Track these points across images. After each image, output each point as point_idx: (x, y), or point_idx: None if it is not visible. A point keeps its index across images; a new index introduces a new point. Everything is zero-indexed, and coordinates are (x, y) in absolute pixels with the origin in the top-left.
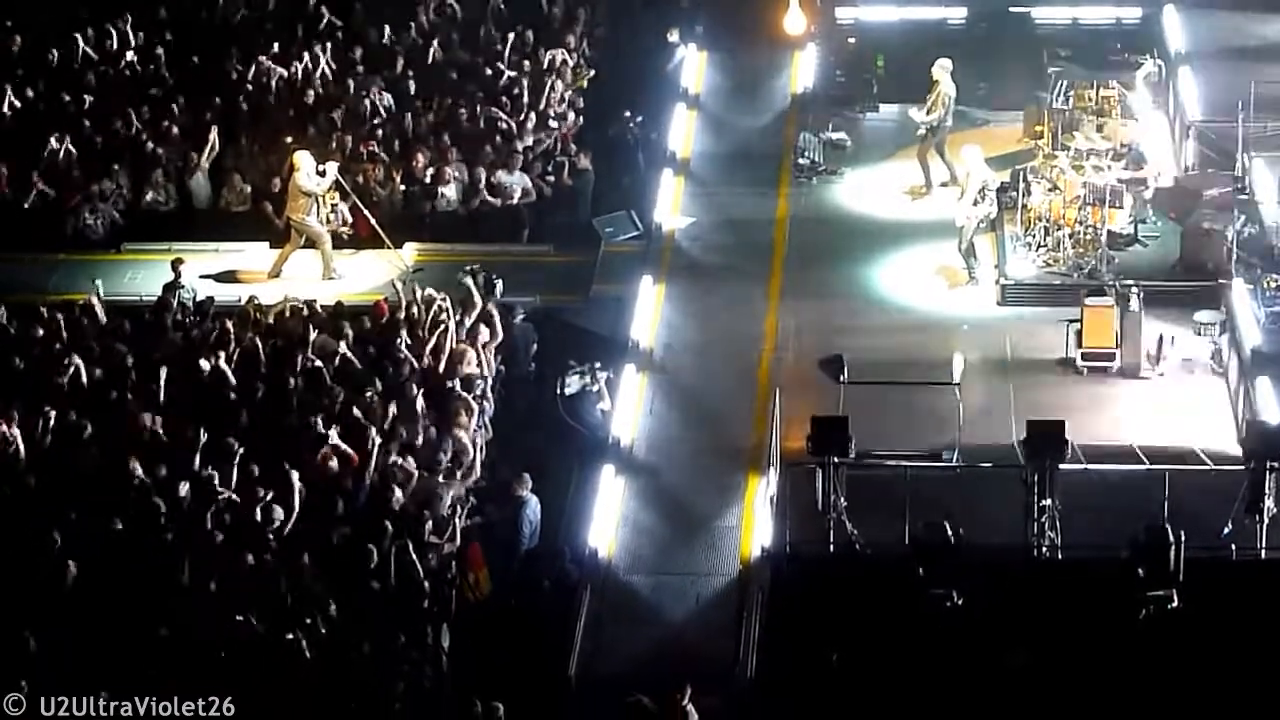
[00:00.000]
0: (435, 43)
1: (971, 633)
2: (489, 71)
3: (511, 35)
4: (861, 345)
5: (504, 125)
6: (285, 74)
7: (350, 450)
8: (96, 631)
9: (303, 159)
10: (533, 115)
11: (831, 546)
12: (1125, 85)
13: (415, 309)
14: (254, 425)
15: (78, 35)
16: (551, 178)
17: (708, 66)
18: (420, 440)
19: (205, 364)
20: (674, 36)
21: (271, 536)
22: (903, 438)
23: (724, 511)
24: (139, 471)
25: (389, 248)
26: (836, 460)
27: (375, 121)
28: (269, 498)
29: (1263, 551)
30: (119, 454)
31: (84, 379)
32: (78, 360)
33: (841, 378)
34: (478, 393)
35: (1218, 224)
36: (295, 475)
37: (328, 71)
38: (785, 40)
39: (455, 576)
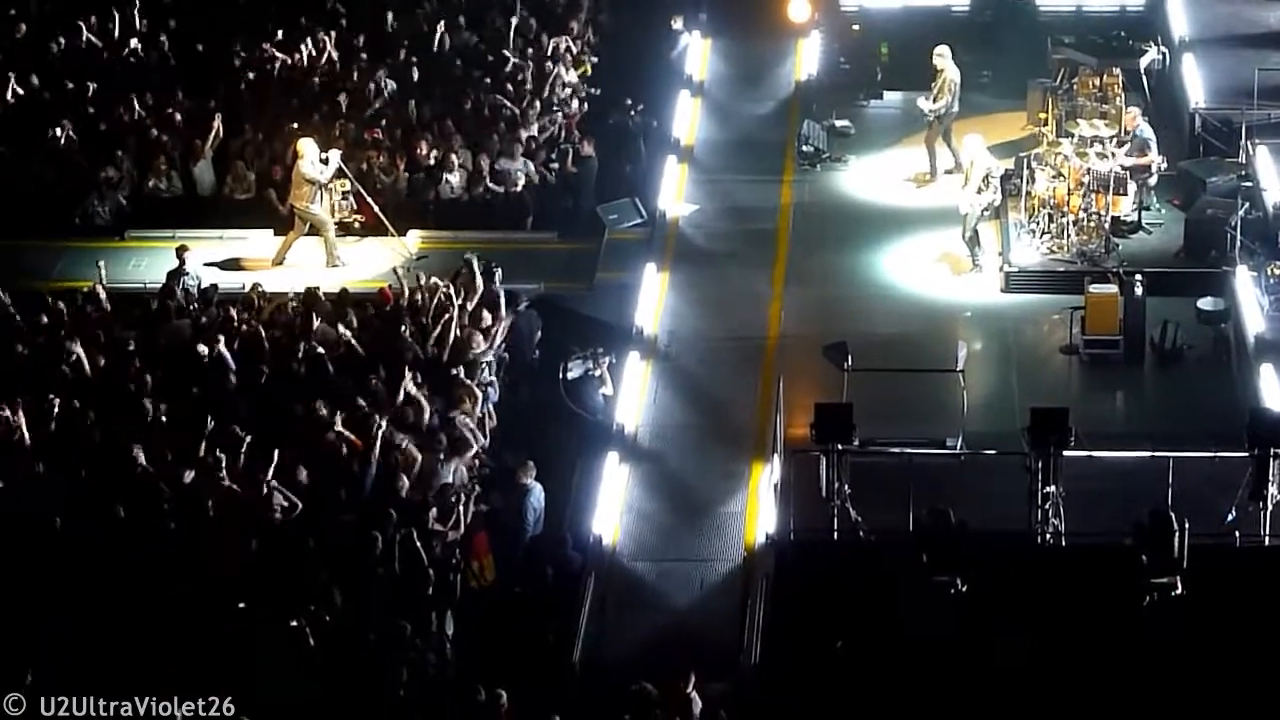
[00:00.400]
0: (439, 29)
1: (975, 620)
2: (492, 58)
3: (515, 21)
4: (865, 332)
5: (508, 112)
6: (289, 60)
7: (354, 436)
8: (98, 620)
9: (306, 146)
10: (536, 102)
11: (835, 533)
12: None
13: (420, 296)
14: (256, 412)
15: (81, 23)
16: (555, 165)
17: (712, 54)
18: (425, 427)
19: (204, 349)
20: (678, 24)
21: (275, 523)
22: (906, 425)
23: (728, 498)
24: (142, 459)
25: (392, 235)
26: (840, 447)
27: (379, 108)
28: (272, 484)
29: (1266, 538)
30: (122, 441)
31: (87, 366)
32: (78, 350)
33: (845, 365)
34: (482, 379)
35: (1222, 211)
36: (299, 462)
37: (332, 58)
38: (789, 27)
39: (460, 563)
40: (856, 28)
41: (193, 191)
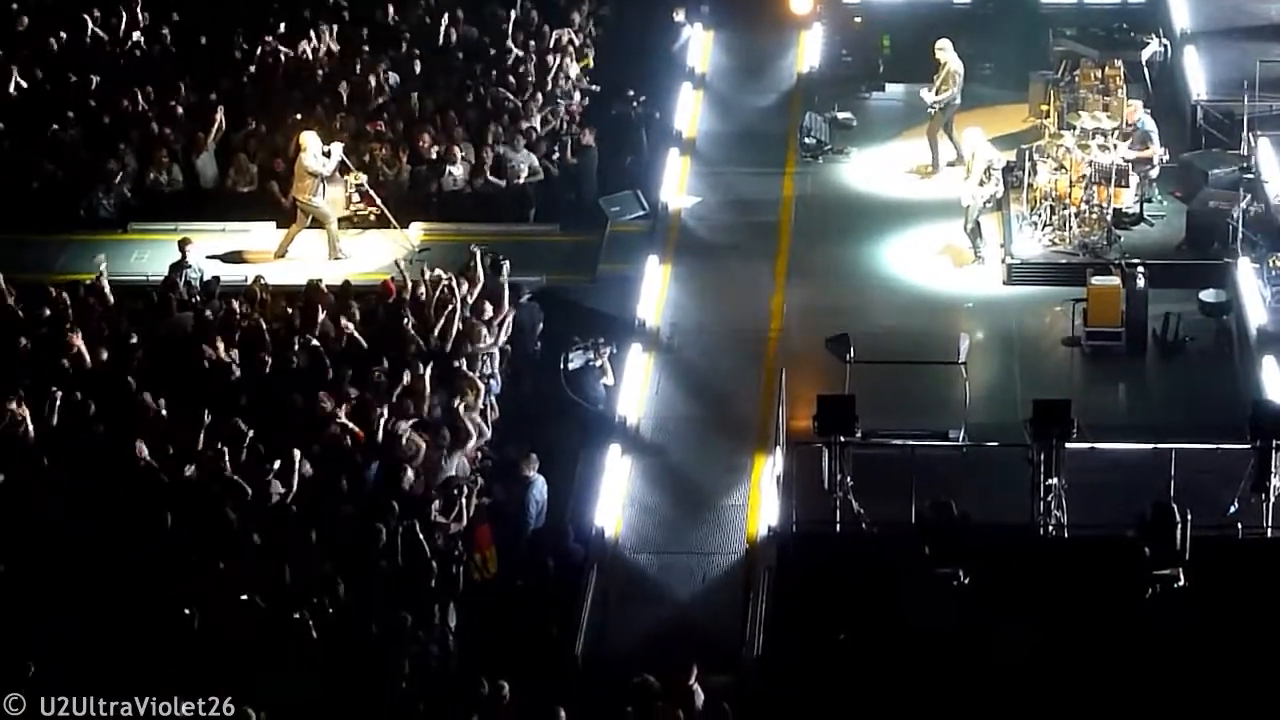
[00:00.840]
0: (441, 21)
1: (977, 612)
2: (494, 51)
3: (517, 13)
4: (867, 324)
5: (510, 105)
6: (291, 53)
7: (357, 428)
8: (98, 620)
9: (308, 139)
10: (539, 95)
11: (838, 525)
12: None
13: (422, 288)
14: (259, 404)
15: (85, 16)
16: (556, 155)
17: (714, 46)
18: (427, 419)
19: (209, 350)
20: (680, 16)
21: (278, 516)
22: (909, 417)
23: (730, 491)
24: (144, 452)
25: (395, 227)
26: (842, 439)
27: (381, 101)
28: (274, 477)
29: (1269, 530)
30: (125, 434)
31: (90, 359)
32: (79, 343)
33: (847, 357)
34: (485, 371)
35: (1224, 203)
36: (301, 454)
37: (334, 51)
38: (791, 20)
39: (463, 556)
40: (858, 20)
41: (195, 184)
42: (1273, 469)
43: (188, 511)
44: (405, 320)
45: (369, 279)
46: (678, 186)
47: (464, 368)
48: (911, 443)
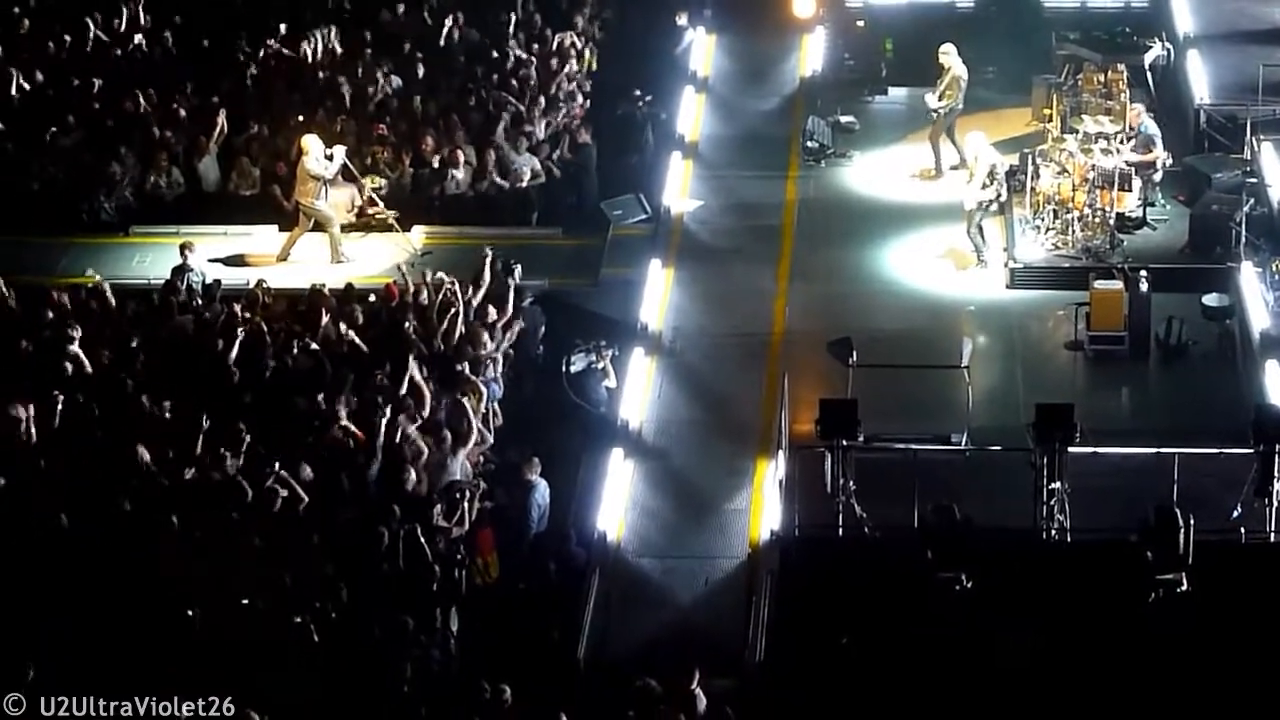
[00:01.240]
0: (444, 24)
1: (979, 616)
2: (496, 53)
3: (519, 17)
4: (870, 328)
5: (513, 108)
6: (294, 56)
7: (359, 432)
8: (98, 620)
9: (311, 143)
10: (541, 98)
11: (840, 530)
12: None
13: (425, 292)
14: (260, 407)
15: (88, 19)
16: (556, 155)
17: (716, 50)
18: (429, 420)
19: (215, 353)
20: (683, 19)
21: (279, 518)
22: (911, 420)
23: (733, 495)
24: (145, 455)
25: (397, 231)
26: (845, 443)
27: (384, 104)
28: (276, 480)
29: (1272, 534)
30: (125, 436)
31: (90, 363)
32: (76, 349)
33: (850, 361)
34: (487, 376)
35: (1226, 207)
36: (302, 457)
37: (336, 53)
38: (794, 23)
39: (465, 560)
40: (861, 23)
41: (196, 187)
42: (1276, 473)
43: (189, 514)
44: (408, 324)
45: (371, 282)
46: (680, 190)
47: (466, 371)
48: (914, 447)
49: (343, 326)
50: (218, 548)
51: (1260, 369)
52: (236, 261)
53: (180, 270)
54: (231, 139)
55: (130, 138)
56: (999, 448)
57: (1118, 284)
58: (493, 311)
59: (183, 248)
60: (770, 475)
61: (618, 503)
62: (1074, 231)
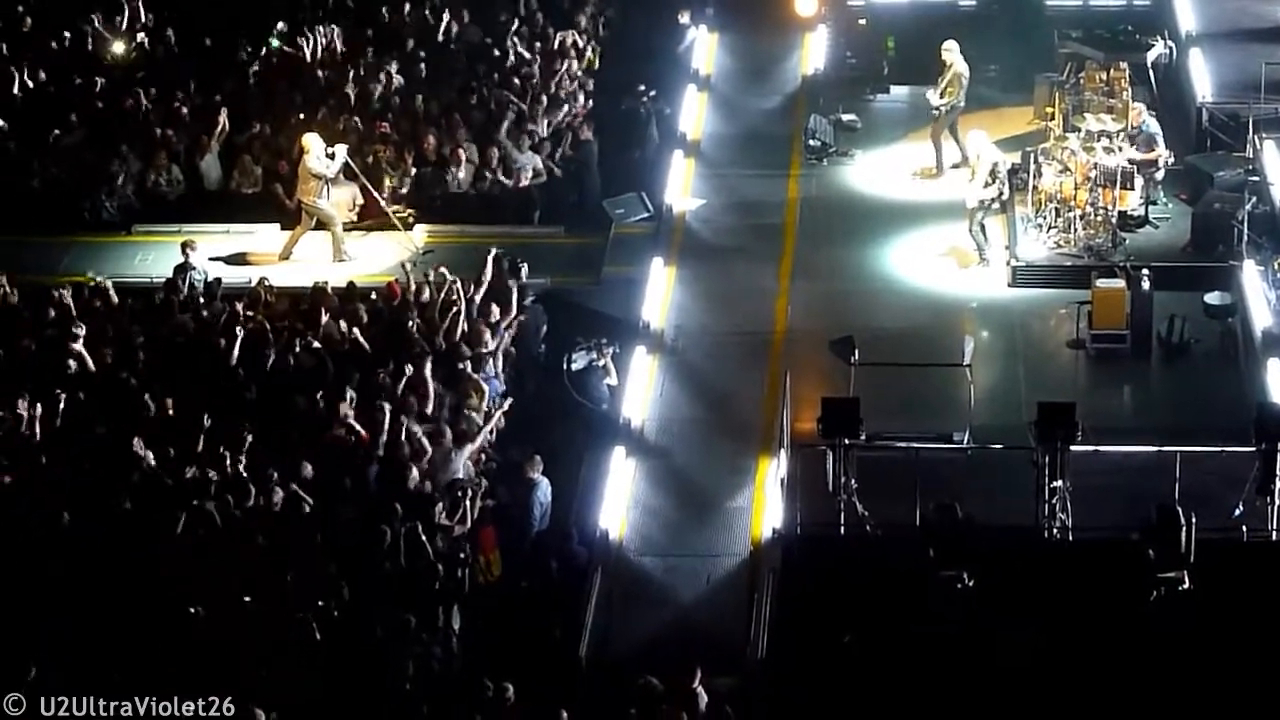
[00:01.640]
0: (446, 23)
1: (981, 615)
2: (498, 52)
3: (522, 16)
4: (872, 326)
5: (515, 106)
6: (296, 55)
7: (362, 430)
8: (98, 620)
9: (312, 141)
10: (544, 97)
11: (842, 528)
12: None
13: (427, 290)
14: (262, 406)
15: (93, 16)
16: (558, 153)
17: (718, 48)
18: (431, 419)
19: (216, 352)
20: (685, 18)
21: (281, 517)
22: (913, 419)
23: (735, 493)
24: (146, 453)
25: (399, 229)
26: (847, 442)
27: (385, 102)
28: (277, 479)
29: (1273, 533)
30: (127, 435)
31: (92, 361)
32: (79, 347)
33: (852, 359)
34: (488, 372)
35: (1229, 206)
36: (305, 456)
37: (338, 52)
38: (796, 22)
39: (467, 558)
40: (863, 22)
41: (197, 186)
42: (1278, 471)
43: (190, 512)
44: (410, 322)
45: (373, 281)
46: (682, 188)
47: (469, 370)
48: (916, 445)
49: (345, 325)
50: (219, 546)
51: (1262, 367)
52: (238, 260)
53: (182, 269)
54: (233, 137)
55: (132, 137)
56: (1001, 446)
57: (1120, 282)
58: (495, 309)
59: (184, 246)
60: (772, 473)
61: (619, 501)
62: (1076, 230)
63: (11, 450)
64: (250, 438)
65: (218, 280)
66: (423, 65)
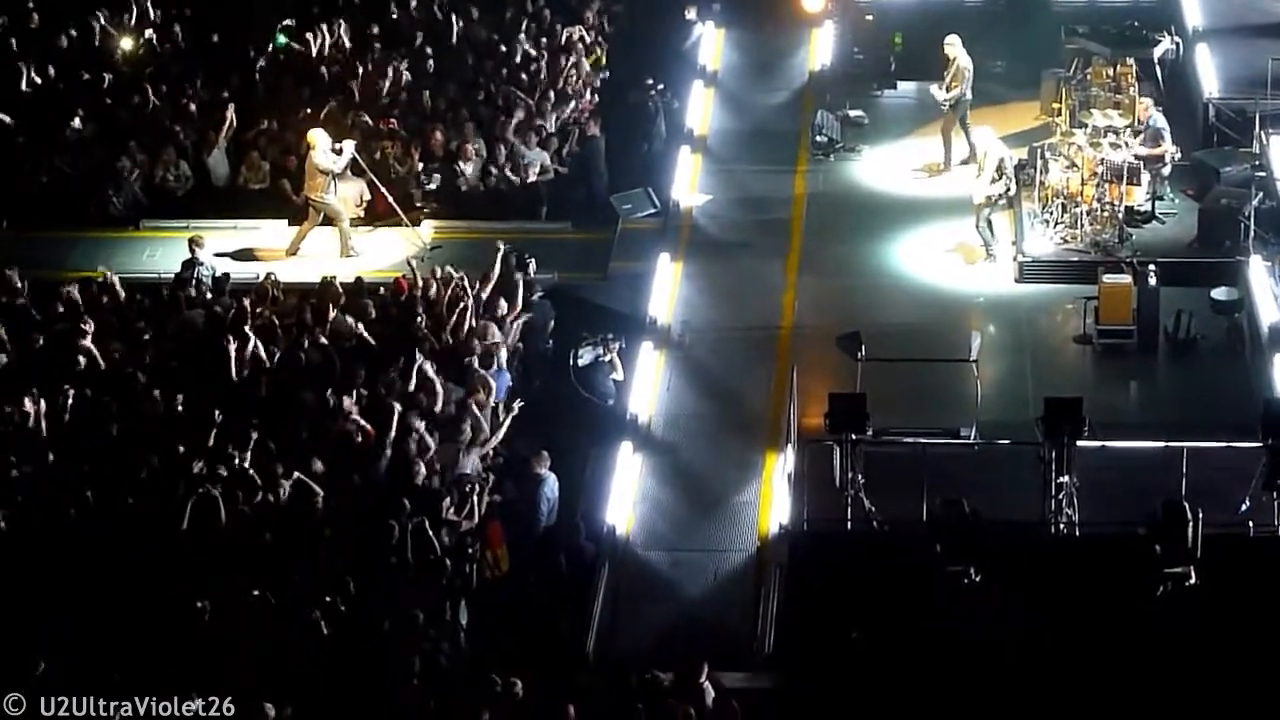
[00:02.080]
0: (453, 19)
1: (988, 609)
2: (505, 48)
3: (529, 12)
4: (879, 322)
5: (522, 102)
6: (303, 50)
7: (369, 426)
8: (98, 620)
9: (317, 137)
10: (551, 93)
11: (849, 523)
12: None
13: (435, 286)
14: (270, 402)
15: (99, 13)
16: (566, 149)
17: (725, 44)
18: (439, 414)
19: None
20: (692, 14)
21: (288, 513)
22: (920, 414)
23: (742, 488)
24: (155, 449)
25: (407, 225)
26: (854, 437)
27: (393, 98)
28: (285, 473)
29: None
30: (135, 431)
31: (101, 356)
32: (88, 343)
33: (859, 354)
34: (496, 369)
35: (1235, 201)
36: (313, 452)
37: (346, 48)
38: (803, 17)
39: (475, 553)
40: (870, 17)
41: (204, 182)
42: None
43: (197, 508)
44: (418, 318)
45: (381, 276)
46: (689, 184)
47: (476, 365)
48: (923, 440)
49: (352, 320)
50: (225, 541)
51: (1269, 363)
52: (246, 256)
53: (190, 264)
54: (241, 133)
55: (140, 133)
56: (1008, 441)
57: (1126, 278)
58: (503, 304)
59: (192, 242)
60: (779, 469)
61: (626, 496)
62: (1083, 225)
63: (19, 446)
64: (257, 434)
65: (225, 276)
66: (430, 61)
